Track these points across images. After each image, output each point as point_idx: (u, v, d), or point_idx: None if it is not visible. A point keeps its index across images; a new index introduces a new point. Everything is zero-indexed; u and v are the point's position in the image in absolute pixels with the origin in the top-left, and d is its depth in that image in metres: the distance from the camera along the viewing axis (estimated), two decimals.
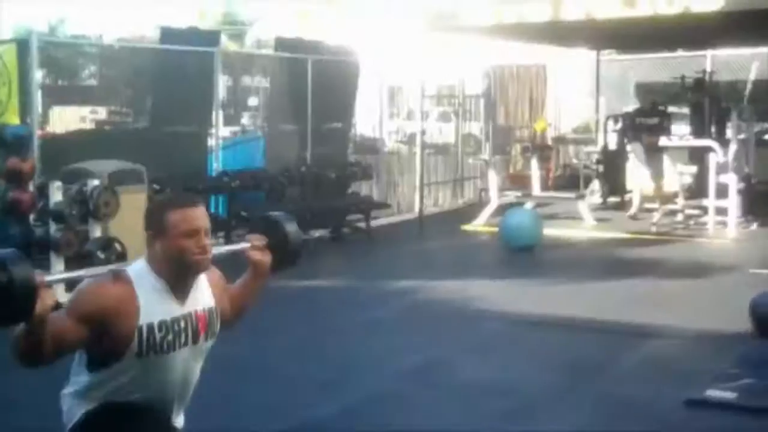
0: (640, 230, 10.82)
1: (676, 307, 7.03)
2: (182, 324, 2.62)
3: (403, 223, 12.10)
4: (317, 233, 10.39)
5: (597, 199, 12.56)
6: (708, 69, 14.23)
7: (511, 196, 12.18)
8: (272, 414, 4.71)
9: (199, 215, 2.60)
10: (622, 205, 12.52)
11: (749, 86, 12.59)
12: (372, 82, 13.00)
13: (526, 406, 4.89)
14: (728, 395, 4.97)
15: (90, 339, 2.49)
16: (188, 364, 2.68)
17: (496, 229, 10.21)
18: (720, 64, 15.05)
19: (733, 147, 10.94)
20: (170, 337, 2.59)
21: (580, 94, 17.36)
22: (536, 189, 12.36)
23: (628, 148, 12.10)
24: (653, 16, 9.31)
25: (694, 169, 11.50)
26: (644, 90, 16.29)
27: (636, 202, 11.76)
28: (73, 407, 2.64)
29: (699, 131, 12.00)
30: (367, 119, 15.65)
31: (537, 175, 12.45)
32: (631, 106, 16.05)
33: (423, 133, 12.44)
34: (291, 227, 2.93)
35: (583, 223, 11.31)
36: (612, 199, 12.76)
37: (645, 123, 11.74)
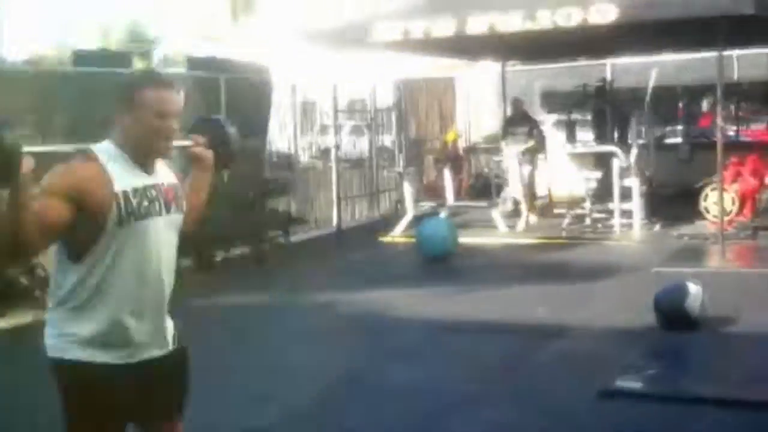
0: (550, 235, 11.23)
1: (586, 306, 7.38)
2: (153, 192, 2.76)
3: (321, 237, 12.29)
4: (237, 251, 10.51)
5: (509, 206, 12.95)
6: (608, 77, 14.82)
7: (426, 206, 12.47)
8: (203, 428, 4.85)
9: (175, 99, 2.73)
10: (533, 211, 12.95)
11: (649, 92, 13.15)
12: (285, 98, 13.16)
13: (449, 406, 5.13)
14: (636, 385, 5.33)
15: (71, 216, 2.58)
16: (165, 236, 2.79)
17: (412, 239, 10.49)
18: (621, 71, 15.65)
19: (634, 151, 11.45)
20: (145, 203, 2.72)
21: (488, 105, 17.81)
22: (450, 199, 12.68)
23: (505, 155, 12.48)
24: (554, 28, 9.70)
25: (599, 174, 11.96)
26: (549, 98, 16.83)
27: (524, 216, 11.97)
28: (54, 338, 2.72)
29: (602, 137, 12.50)
30: (281, 135, 15.80)
31: (450, 185, 12.77)
32: (538, 114, 16.61)
33: (338, 147, 12.67)
34: (230, 128, 3.15)
35: (496, 230, 11.66)
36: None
37: (515, 131, 12.12)
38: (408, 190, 12.33)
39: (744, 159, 11.18)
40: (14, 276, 7.15)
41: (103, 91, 9.68)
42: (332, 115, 13.06)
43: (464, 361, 6.05)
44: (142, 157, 2.76)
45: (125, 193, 2.69)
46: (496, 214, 11.91)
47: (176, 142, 2.89)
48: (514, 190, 12.04)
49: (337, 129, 13.00)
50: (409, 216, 11.96)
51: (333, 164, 12.70)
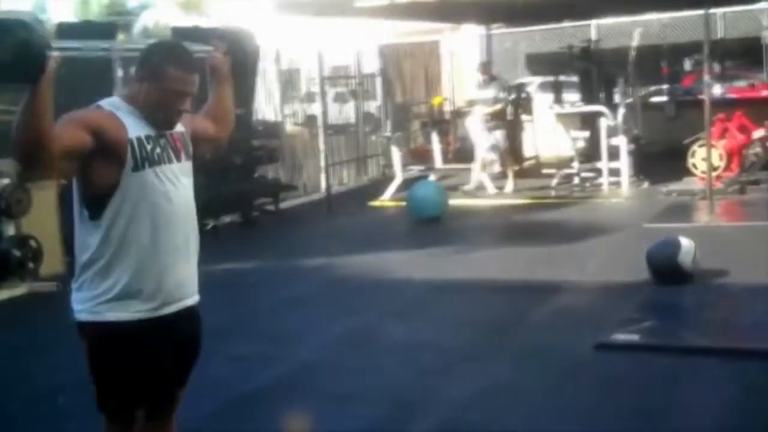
0: (540, 195, 11.28)
1: (580, 263, 7.43)
2: (163, 141, 2.84)
3: (311, 203, 12.30)
4: (227, 218, 10.51)
5: (496, 168, 12.95)
6: (593, 37, 14.81)
7: (415, 170, 12.49)
8: (211, 389, 4.88)
9: (194, 82, 2.84)
10: (521, 173, 12.99)
11: (633, 52, 13.16)
12: (269, 66, 13.09)
13: (450, 362, 5.19)
14: (633, 337, 5.39)
15: (88, 144, 2.63)
16: (181, 183, 2.87)
17: (402, 203, 10.52)
18: (605, 32, 15.65)
19: (621, 111, 11.48)
20: (158, 150, 2.80)
21: (473, 68, 17.75)
22: (438, 162, 12.70)
23: (468, 120, 12.35)
24: None
25: (586, 133, 11.99)
26: (535, 60, 16.80)
27: (474, 177, 11.80)
28: (82, 302, 2.81)
29: (588, 97, 12.50)
30: (267, 103, 15.73)
31: (438, 149, 12.79)
32: (523, 77, 16.59)
33: (325, 113, 12.64)
34: (246, 35, 3.27)
35: (485, 192, 11.68)
36: (512, 167, 13.16)
37: (482, 95, 12.02)
38: (396, 154, 12.34)
39: (730, 116, 11.24)
40: (7, 248, 7.12)
41: (88, 64, 9.69)
42: (318, 82, 13.00)
43: (462, 320, 6.10)
44: (151, 121, 2.83)
45: (139, 138, 2.76)
46: (484, 176, 11.92)
47: (197, 47, 3.01)
48: (479, 154, 11.89)
49: (324, 95, 12.95)
50: (398, 180, 11.98)
51: (320, 130, 12.67)
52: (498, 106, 11.91)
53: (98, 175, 2.72)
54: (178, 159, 2.88)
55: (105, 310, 2.77)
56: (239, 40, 11.80)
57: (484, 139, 11.79)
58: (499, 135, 11.91)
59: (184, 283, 2.91)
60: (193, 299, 2.97)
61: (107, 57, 9.53)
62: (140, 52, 2.90)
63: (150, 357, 2.83)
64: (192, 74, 2.82)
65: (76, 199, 2.83)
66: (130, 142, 2.73)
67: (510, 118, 12.51)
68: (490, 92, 11.93)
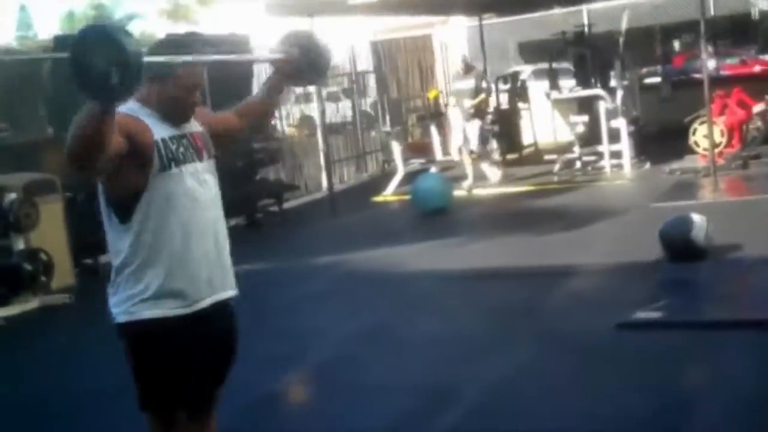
0: (543, 181, 11.28)
1: (591, 247, 7.42)
2: (185, 141, 2.85)
3: (313, 202, 12.29)
4: (232, 222, 10.46)
5: (496, 157, 12.96)
6: (584, 23, 14.78)
7: (416, 163, 12.48)
8: (237, 389, 4.86)
9: (200, 73, 2.87)
10: (521, 161, 13.01)
11: (623, 34, 13.16)
12: (263, 68, 13.06)
13: (472, 351, 5.18)
14: (654, 315, 5.38)
15: (124, 148, 2.64)
16: (207, 180, 2.88)
17: (405, 197, 10.50)
18: (596, 17, 15.63)
19: (620, 93, 11.48)
20: (182, 149, 2.81)
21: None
22: (438, 154, 12.68)
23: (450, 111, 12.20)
24: None
25: (585, 118, 11.98)
26: (527, 49, 16.79)
27: (470, 172, 11.36)
28: (119, 305, 2.80)
29: (585, 82, 12.49)
30: None
31: (437, 141, 12.77)
32: (514, 66, 16.58)
33: (323, 112, 12.60)
34: (321, 40, 3.18)
35: (487, 181, 11.67)
36: (510, 156, 13.19)
37: (461, 87, 11.95)
38: (396, 149, 12.33)
39: (728, 93, 11.25)
40: (18, 262, 7.10)
41: None
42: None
43: (479, 309, 6.09)
44: (168, 118, 2.85)
45: (164, 139, 2.79)
46: (486, 166, 11.91)
47: (266, 56, 3.10)
48: (455, 145, 11.74)
49: (321, 95, 12.92)
50: (399, 174, 11.97)
51: (318, 129, 12.65)
52: (482, 96, 11.84)
53: (126, 179, 2.72)
54: (201, 158, 2.89)
55: (141, 309, 2.78)
56: (234, 46, 11.84)
57: (467, 131, 11.65)
58: (477, 126, 11.73)
59: (216, 279, 2.91)
60: (227, 293, 2.97)
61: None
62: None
63: (188, 353, 2.83)
64: (197, 65, 2.86)
65: (103, 204, 2.82)
66: (156, 143, 2.75)
67: (491, 109, 12.52)
68: (469, 83, 11.88)
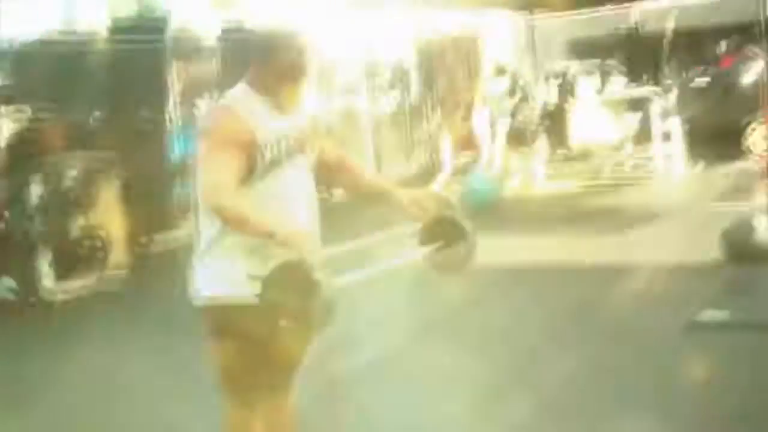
0: (593, 180, 11.18)
1: (650, 247, 7.33)
2: (290, 135, 2.82)
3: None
4: None
5: (544, 154, 12.86)
6: (633, 21, 14.64)
7: (462, 160, 12.40)
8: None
9: (305, 51, 2.82)
10: (569, 159, 12.90)
11: (669, 35, 13.02)
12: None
13: (538, 346, 5.12)
14: (722, 316, 5.31)
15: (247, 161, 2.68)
16: (303, 175, 2.87)
17: (453, 192, 10.43)
18: (645, 16, 15.47)
19: (674, 92, 11.36)
20: (284, 145, 2.79)
21: (512, 56, 17.64)
22: (486, 151, 12.57)
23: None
24: None
25: (636, 117, 11.87)
26: (577, 46, 16.64)
27: (447, 169, 11.46)
28: (202, 282, 2.80)
29: (636, 81, 12.38)
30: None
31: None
32: (561, 63, 16.45)
33: (371, 105, 12.60)
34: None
35: (536, 178, 11.59)
36: (559, 152, 13.09)
37: (493, 89, 11.77)
38: (445, 144, 12.25)
39: None
40: (76, 240, 7.15)
41: (139, 61, 9.70)
42: (361, 75, 12.93)
43: (541, 305, 6.02)
44: (276, 102, 2.81)
45: (267, 140, 2.75)
46: (536, 162, 11.83)
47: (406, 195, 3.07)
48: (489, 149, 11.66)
49: (372, 88, 12.90)
50: (447, 170, 11.90)
51: (365, 121, 12.61)
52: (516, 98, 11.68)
53: (239, 165, 2.71)
54: (302, 150, 2.87)
55: (225, 289, 2.74)
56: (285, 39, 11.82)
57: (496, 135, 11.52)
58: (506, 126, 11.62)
59: None
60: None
61: (159, 50, 9.60)
62: (247, 37, 2.94)
63: (268, 336, 2.77)
64: (299, 41, 2.80)
65: (198, 188, 2.80)
66: (258, 146, 2.72)
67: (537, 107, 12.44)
68: (503, 84, 11.79)
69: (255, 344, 2.78)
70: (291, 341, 2.78)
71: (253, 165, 2.71)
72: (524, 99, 12.22)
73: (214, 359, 2.88)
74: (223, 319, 2.79)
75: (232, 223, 2.67)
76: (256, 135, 2.72)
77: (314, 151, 2.94)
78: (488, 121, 11.59)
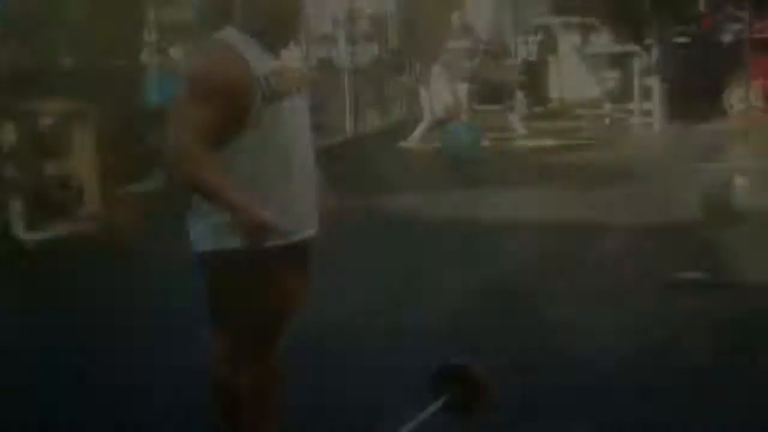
0: (572, 137, 11.15)
1: (627, 205, 7.32)
2: (284, 73, 2.77)
3: (338, 145, 12.09)
4: None
5: (522, 109, 12.82)
6: None
7: (441, 112, 12.29)
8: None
9: None
10: (547, 115, 12.86)
11: None
12: None
13: (516, 303, 5.04)
14: (700, 276, 5.32)
15: (226, 115, 2.62)
16: (302, 115, 2.81)
17: (431, 144, 10.38)
18: None
19: (655, 51, 11.31)
20: (281, 83, 2.72)
21: (490, 10, 17.47)
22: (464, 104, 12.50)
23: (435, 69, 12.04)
24: None
25: (616, 74, 11.83)
26: (558, 2, 16.52)
27: (424, 125, 11.43)
28: (203, 233, 2.74)
29: (618, 38, 12.32)
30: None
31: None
32: (542, 18, 16.33)
33: (347, 55, 12.45)
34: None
35: (514, 133, 11.55)
36: (537, 109, 13.06)
37: (453, 46, 11.68)
38: (424, 96, 12.15)
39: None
40: (49, 187, 7.01)
41: (115, 5, 9.45)
42: (341, 24, 12.76)
43: (520, 261, 5.93)
44: (268, 44, 2.76)
45: (265, 75, 2.69)
46: (514, 118, 11.79)
47: None
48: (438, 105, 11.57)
49: (349, 37, 12.73)
50: (426, 122, 11.82)
51: (344, 71, 12.47)
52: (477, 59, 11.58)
53: (224, 121, 2.64)
54: (299, 91, 2.81)
55: (227, 238, 2.66)
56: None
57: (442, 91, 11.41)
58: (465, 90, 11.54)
59: (305, 214, 2.82)
60: (313, 231, 2.87)
61: None
62: None
63: (270, 285, 2.74)
64: None
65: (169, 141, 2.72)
66: (257, 80, 2.65)
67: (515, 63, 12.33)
68: (464, 44, 11.67)
69: (257, 294, 2.74)
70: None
71: (251, 101, 2.64)
72: (495, 56, 12.09)
73: (212, 307, 2.83)
74: (221, 267, 2.73)
75: (202, 193, 2.64)
76: (254, 68, 2.66)
77: (306, 96, 2.88)
78: (448, 78, 11.48)
